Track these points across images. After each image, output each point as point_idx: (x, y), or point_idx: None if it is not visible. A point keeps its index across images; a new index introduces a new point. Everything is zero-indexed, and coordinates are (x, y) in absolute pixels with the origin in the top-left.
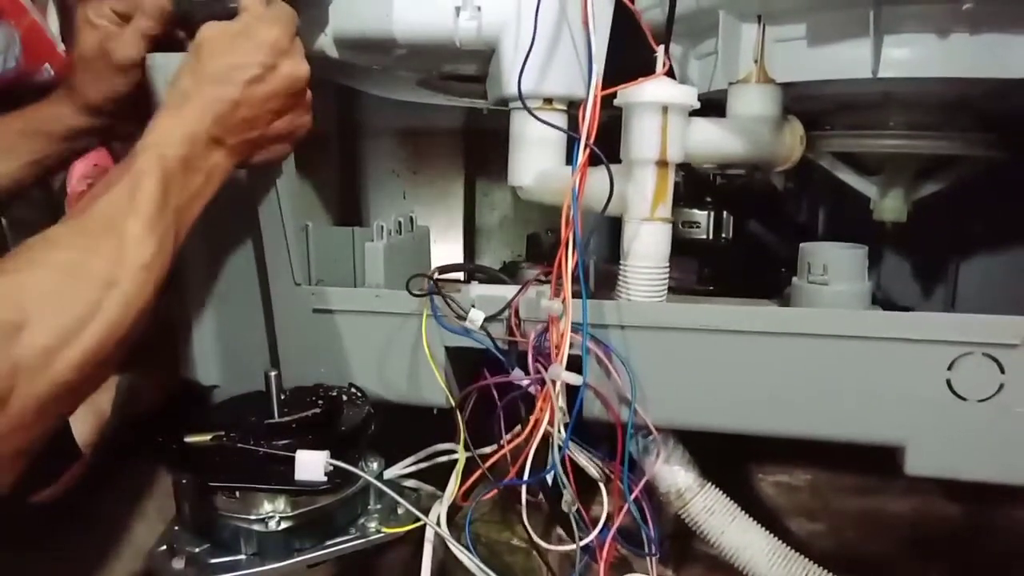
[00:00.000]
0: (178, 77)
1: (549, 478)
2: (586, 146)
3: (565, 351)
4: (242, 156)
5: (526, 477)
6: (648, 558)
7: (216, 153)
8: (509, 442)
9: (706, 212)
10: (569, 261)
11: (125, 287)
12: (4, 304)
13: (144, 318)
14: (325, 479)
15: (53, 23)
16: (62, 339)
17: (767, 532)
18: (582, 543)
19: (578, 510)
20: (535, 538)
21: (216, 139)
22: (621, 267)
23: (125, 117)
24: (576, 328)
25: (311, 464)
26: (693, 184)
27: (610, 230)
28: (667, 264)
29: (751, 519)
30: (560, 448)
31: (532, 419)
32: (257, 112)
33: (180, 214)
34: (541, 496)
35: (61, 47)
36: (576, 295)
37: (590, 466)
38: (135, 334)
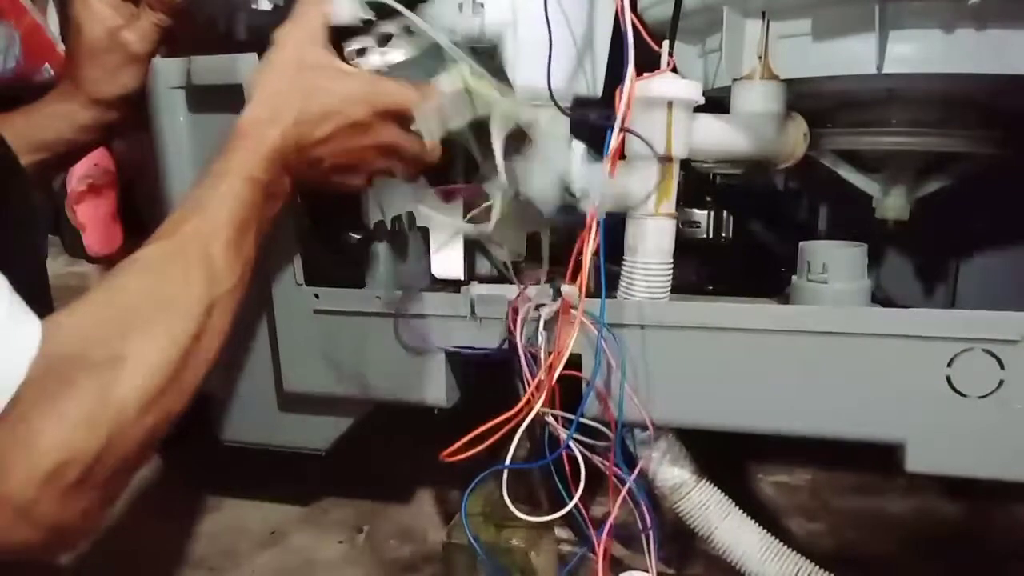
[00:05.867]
0: (266, 94)
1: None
2: (621, 130)
3: (575, 335)
4: (298, 185)
5: (509, 458)
6: (647, 554)
7: (286, 179)
8: (502, 421)
9: (706, 212)
10: (589, 248)
11: (217, 315)
12: (112, 336)
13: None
14: None
15: (53, 23)
16: (164, 375)
17: (761, 529)
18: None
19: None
20: (515, 509)
21: (289, 166)
22: (625, 264)
23: (130, 112)
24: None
25: None
26: (693, 184)
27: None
28: (671, 261)
29: (745, 516)
30: (552, 425)
31: (525, 398)
32: (325, 155)
33: (257, 239)
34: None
35: (61, 47)
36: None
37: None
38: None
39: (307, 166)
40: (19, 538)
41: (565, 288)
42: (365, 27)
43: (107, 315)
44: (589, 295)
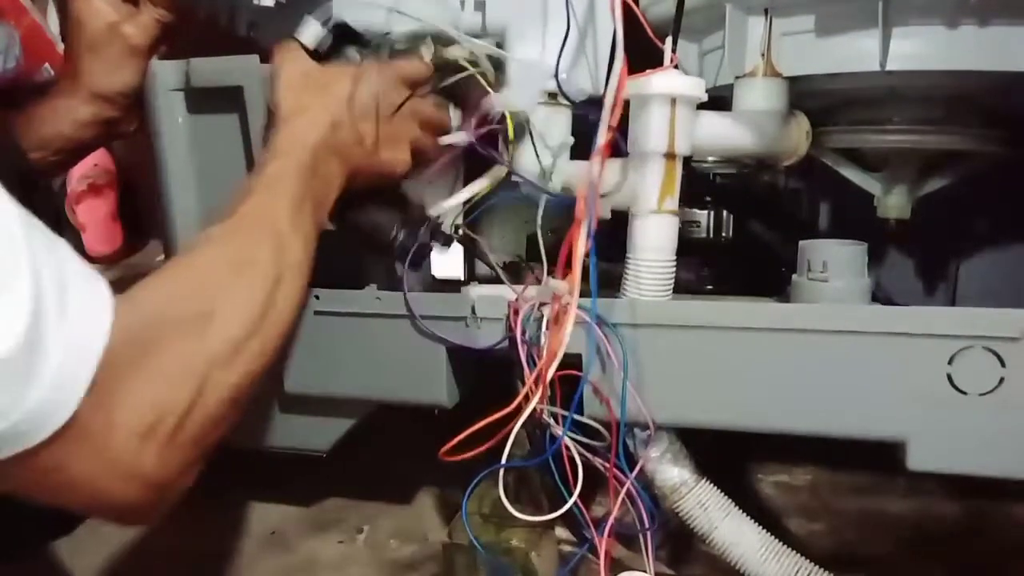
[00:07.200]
0: (288, 101)
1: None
2: (609, 128)
3: (569, 328)
4: (351, 169)
5: (504, 457)
6: (646, 554)
7: (333, 162)
8: (496, 419)
9: (706, 211)
10: (581, 245)
11: (288, 283)
12: (195, 295)
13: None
14: None
15: (53, 23)
16: (248, 330)
17: (761, 529)
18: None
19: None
20: (512, 509)
21: (336, 148)
22: (627, 261)
23: (129, 110)
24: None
25: None
26: (693, 183)
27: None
28: (674, 258)
29: (745, 516)
30: (550, 421)
31: (521, 395)
32: (366, 131)
33: (314, 219)
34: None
35: (61, 47)
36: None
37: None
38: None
39: (353, 144)
40: (125, 498)
41: (553, 282)
42: (333, 53)
43: (185, 280)
44: (587, 293)
